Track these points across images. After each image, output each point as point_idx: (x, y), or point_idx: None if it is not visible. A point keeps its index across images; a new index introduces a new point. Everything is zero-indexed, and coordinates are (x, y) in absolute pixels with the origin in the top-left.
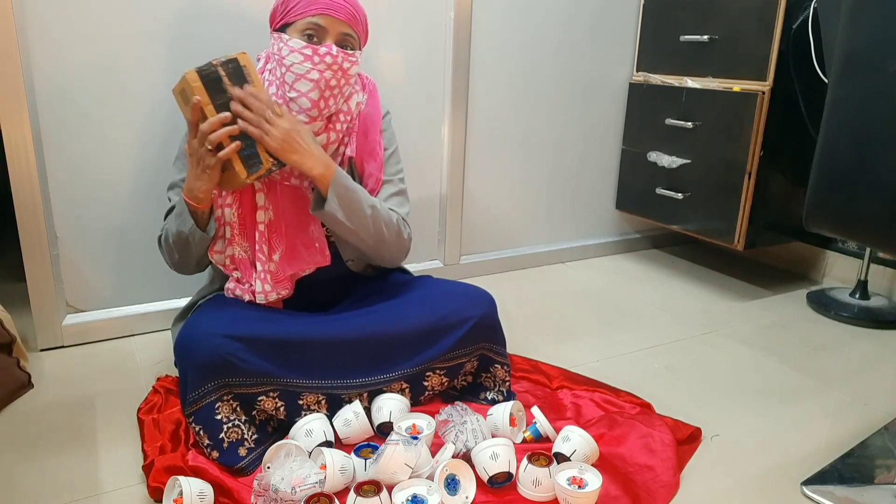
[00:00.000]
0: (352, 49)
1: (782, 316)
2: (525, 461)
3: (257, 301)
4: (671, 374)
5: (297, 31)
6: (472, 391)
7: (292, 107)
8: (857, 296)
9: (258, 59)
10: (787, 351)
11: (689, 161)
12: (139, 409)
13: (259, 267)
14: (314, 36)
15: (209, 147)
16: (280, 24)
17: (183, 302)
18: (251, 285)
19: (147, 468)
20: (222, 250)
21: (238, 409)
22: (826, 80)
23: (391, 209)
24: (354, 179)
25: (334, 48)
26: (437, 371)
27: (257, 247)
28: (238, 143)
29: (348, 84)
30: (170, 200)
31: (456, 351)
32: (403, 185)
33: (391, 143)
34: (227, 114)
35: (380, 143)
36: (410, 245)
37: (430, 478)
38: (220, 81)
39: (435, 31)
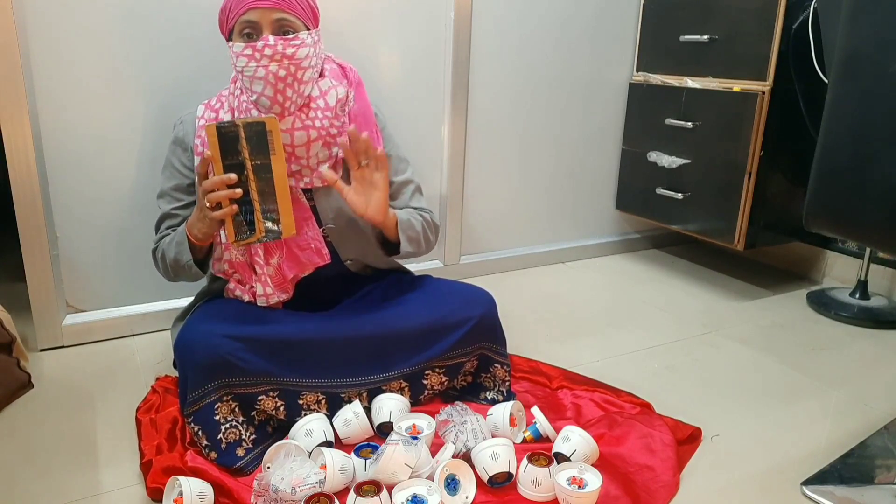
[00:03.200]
0: (294, 32)
1: (782, 316)
2: (525, 461)
3: (258, 304)
4: (671, 374)
5: (238, 35)
6: (472, 391)
7: (258, 108)
8: (857, 296)
9: (232, 82)
10: (787, 351)
11: (689, 161)
12: (137, 409)
13: (258, 270)
14: (252, 34)
15: (207, 204)
16: (227, 35)
17: (183, 302)
18: (251, 286)
19: (144, 467)
20: (220, 257)
21: (237, 409)
22: (826, 80)
23: (419, 208)
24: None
25: (271, 38)
26: (437, 370)
27: (252, 250)
28: (234, 206)
29: (301, 69)
30: (160, 209)
31: (456, 350)
32: (415, 177)
33: (392, 143)
34: (233, 175)
35: (378, 139)
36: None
37: (430, 478)
38: (237, 142)
39: (435, 30)
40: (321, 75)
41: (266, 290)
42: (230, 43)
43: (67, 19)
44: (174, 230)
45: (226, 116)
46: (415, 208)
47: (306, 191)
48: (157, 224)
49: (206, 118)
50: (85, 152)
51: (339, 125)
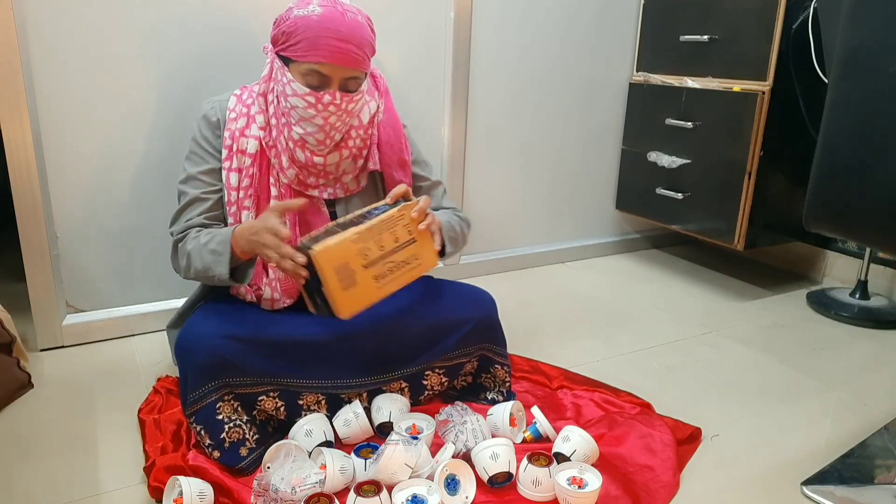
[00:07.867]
0: (357, 87)
1: (782, 316)
2: (525, 461)
3: (263, 308)
4: (671, 374)
5: (298, 72)
6: (472, 391)
7: (301, 140)
8: (857, 296)
9: (262, 80)
10: (787, 351)
11: (689, 161)
12: (140, 410)
13: (271, 274)
14: (317, 83)
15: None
16: (282, 53)
17: (183, 302)
18: (258, 287)
19: (148, 469)
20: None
21: (239, 408)
22: (826, 80)
23: (451, 208)
24: (378, 191)
25: (338, 96)
26: (437, 370)
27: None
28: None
29: (352, 116)
30: (185, 194)
31: (456, 351)
32: (440, 179)
33: (415, 148)
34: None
35: (407, 150)
36: None
37: (430, 478)
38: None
39: (435, 31)
40: None
41: (274, 294)
42: (284, 67)
43: (67, 20)
44: (204, 216)
45: (259, 118)
46: (447, 208)
47: (328, 201)
48: (181, 210)
49: (238, 112)
50: (85, 152)
51: (368, 136)
